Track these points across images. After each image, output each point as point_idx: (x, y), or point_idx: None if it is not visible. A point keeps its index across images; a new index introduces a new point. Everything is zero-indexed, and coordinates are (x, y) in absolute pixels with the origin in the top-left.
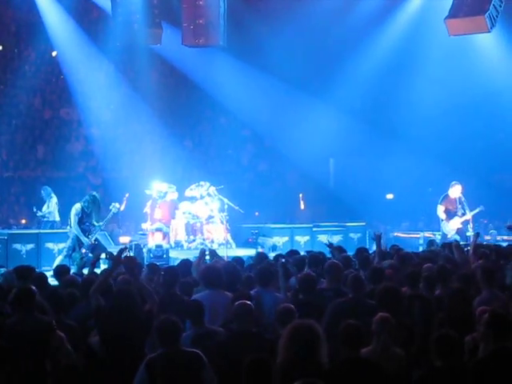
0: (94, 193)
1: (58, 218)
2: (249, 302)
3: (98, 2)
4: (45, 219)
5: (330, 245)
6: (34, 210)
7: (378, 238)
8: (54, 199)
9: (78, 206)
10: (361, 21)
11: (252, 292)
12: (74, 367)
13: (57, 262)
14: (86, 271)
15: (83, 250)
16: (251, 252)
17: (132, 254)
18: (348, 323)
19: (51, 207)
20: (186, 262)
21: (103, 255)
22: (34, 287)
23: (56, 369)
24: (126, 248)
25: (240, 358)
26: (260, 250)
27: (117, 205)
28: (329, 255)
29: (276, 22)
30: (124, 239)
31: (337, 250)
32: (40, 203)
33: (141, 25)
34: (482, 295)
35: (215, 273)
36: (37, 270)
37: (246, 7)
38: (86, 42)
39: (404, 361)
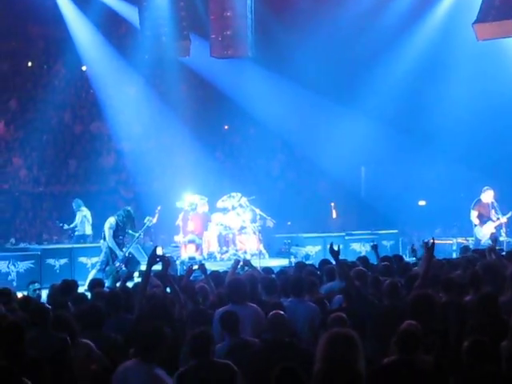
0: (129, 208)
1: (88, 232)
2: (282, 312)
3: (126, 17)
4: (76, 233)
5: (375, 246)
6: (60, 224)
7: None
8: (83, 212)
9: (112, 220)
10: (389, 27)
11: (286, 302)
12: (107, 369)
13: (90, 277)
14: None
15: (117, 264)
16: (284, 262)
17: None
18: (405, 328)
19: (78, 220)
20: (215, 274)
21: (136, 273)
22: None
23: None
24: (158, 246)
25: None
26: (293, 259)
27: (151, 218)
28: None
29: (303, 31)
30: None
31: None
32: (72, 217)
33: (169, 37)
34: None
35: (237, 286)
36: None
37: (273, 17)
38: (115, 56)
39: (431, 367)
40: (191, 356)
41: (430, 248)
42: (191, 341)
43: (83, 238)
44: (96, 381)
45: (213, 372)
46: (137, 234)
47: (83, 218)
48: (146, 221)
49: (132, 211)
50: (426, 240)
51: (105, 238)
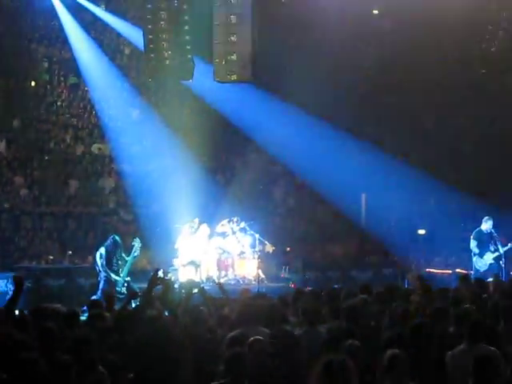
0: (114, 236)
1: None
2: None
3: (131, 39)
4: None
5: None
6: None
7: None
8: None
9: (102, 250)
10: None
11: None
12: None
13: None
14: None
15: (118, 289)
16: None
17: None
18: None
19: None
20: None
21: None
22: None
23: None
24: (159, 269)
25: None
26: (292, 285)
27: (139, 240)
28: None
29: (306, 58)
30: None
31: None
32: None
33: (173, 61)
34: None
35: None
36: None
37: (276, 42)
38: (118, 78)
39: None
40: (225, 373)
41: None
42: (226, 361)
43: None
44: None
45: None
46: (127, 258)
47: None
48: (134, 243)
49: (118, 238)
50: None
51: (99, 270)
